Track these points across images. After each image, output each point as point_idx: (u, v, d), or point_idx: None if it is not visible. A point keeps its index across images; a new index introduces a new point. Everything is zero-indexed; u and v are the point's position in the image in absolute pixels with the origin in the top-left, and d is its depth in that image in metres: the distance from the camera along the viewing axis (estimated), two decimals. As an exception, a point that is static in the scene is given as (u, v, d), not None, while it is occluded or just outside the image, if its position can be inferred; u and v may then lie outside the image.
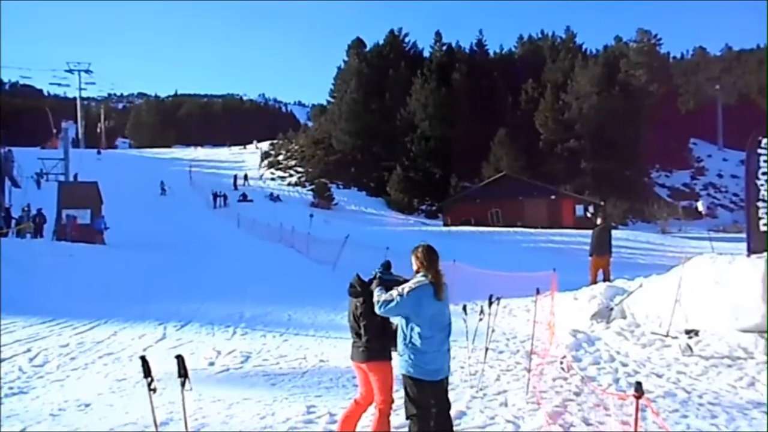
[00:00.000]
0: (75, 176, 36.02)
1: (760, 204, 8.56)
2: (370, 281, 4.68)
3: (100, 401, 6.54)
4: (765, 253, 8.17)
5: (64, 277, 15.36)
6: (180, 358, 3.89)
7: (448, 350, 4.47)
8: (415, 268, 4.47)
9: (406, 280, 4.58)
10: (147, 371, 3.79)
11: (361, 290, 4.70)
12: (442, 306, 4.38)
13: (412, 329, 4.30)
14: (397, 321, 4.63)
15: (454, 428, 5.08)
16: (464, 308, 7.37)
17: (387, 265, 4.73)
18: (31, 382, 7.31)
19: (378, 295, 4.39)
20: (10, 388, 7.00)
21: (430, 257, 4.42)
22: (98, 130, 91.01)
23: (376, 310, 4.37)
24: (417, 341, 4.27)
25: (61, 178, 30.91)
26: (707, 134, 79.04)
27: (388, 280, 4.56)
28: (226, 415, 5.93)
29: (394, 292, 4.30)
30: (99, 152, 68.49)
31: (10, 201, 26.12)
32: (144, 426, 5.47)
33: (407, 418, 4.39)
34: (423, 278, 4.33)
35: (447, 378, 4.48)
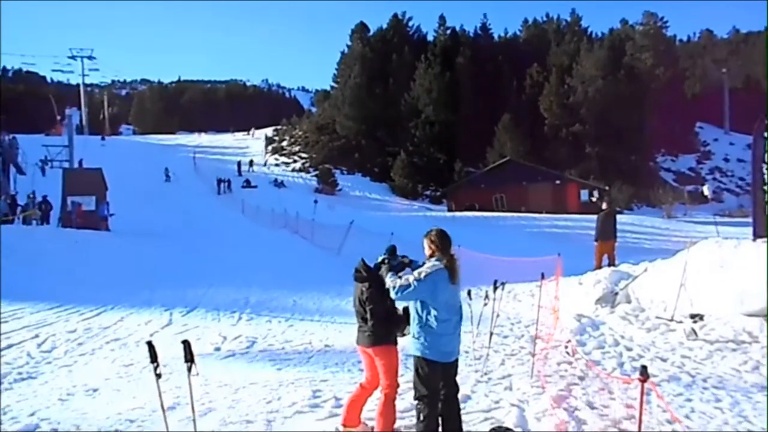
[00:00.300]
0: (80, 162, 36.18)
1: (766, 188, 8.52)
2: (376, 266, 4.69)
3: (107, 386, 6.60)
4: (771, 238, 8.16)
5: (70, 264, 15.45)
6: (186, 344, 3.91)
7: (459, 333, 4.52)
8: (428, 252, 4.49)
9: (412, 261, 4.64)
10: (154, 356, 3.82)
11: (366, 275, 4.71)
12: (455, 290, 4.44)
13: (428, 312, 4.33)
14: (402, 305, 4.65)
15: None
16: (469, 293, 7.40)
17: (392, 250, 4.74)
18: (40, 367, 7.39)
19: (392, 280, 4.39)
20: (19, 373, 7.07)
21: (443, 241, 4.45)
22: (102, 116, 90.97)
23: (392, 295, 4.38)
24: (434, 324, 4.31)
25: (66, 164, 30.95)
26: (713, 118, 78.35)
27: (396, 265, 4.58)
28: (232, 400, 5.97)
29: (411, 277, 4.31)
30: (103, 139, 68.57)
31: (16, 188, 26.24)
32: (151, 410, 5.51)
33: (416, 400, 4.41)
34: (438, 262, 4.35)
35: (457, 360, 4.54)
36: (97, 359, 7.84)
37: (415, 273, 4.35)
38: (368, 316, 4.67)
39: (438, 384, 4.37)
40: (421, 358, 4.35)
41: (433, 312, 4.31)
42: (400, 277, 4.39)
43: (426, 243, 4.51)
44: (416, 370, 4.41)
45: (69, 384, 6.67)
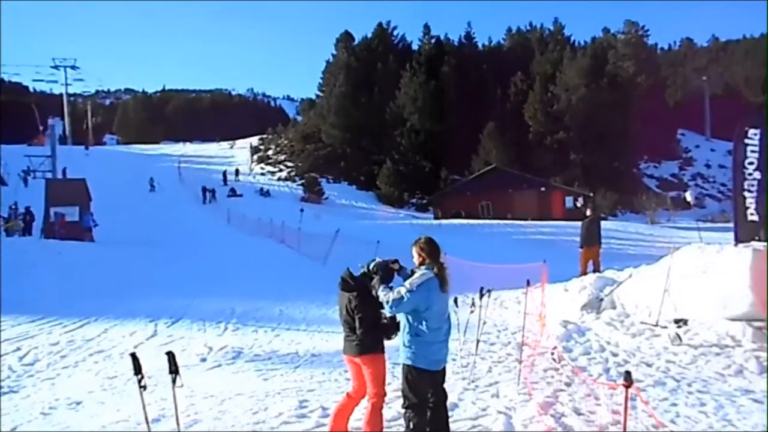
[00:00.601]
0: (63, 171, 36.17)
1: (747, 194, 8.63)
2: (363, 276, 4.67)
3: (91, 399, 6.52)
4: (752, 243, 8.26)
5: (53, 276, 15.27)
6: (170, 355, 3.88)
7: (448, 341, 4.54)
8: (417, 260, 4.47)
9: (402, 266, 4.62)
10: (138, 368, 3.78)
11: (353, 284, 4.70)
12: (445, 298, 4.45)
13: (419, 321, 4.32)
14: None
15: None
16: (455, 301, 7.39)
17: (384, 266, 4.58)
18: (22, 381, 7.28)
19: (384, 294, 4.35)
20: (0, 387, 6.96)
21: (432, 249, 4.44)
22: (85, 126, 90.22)
23: (387, 310, 4.35)
24: (425, 333, 4.31)
25: (49, 175, 30.64)
26: (695, 125, 79.53)
27: (386, 277, 4.51)
28: (218, 411, 5.92)
29: (402, 290, 4.28)
30: (87, 148, 68.25)
31: (-2, 199, 25.92)
32: (136, 423, 5.46)
33: (404, 408, 4.40)
34: (428, 271, 4.34)
35: (445, 367, 4.55)
36: (81, 372, 7.74)
37: (407, 284, 4.33)
38: (357, 324, 4.64)
39: (427, 392, 4.37)
40: (411, 366, 4.34)
41: (425, 321, 4.31)
42: (391, 289, 4.36)
43: (415, 251, 4.49)
44: (405, 378, 4.39)
45: (51, 397, 6.58)
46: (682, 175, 71.60)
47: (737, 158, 8.83)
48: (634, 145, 61.15)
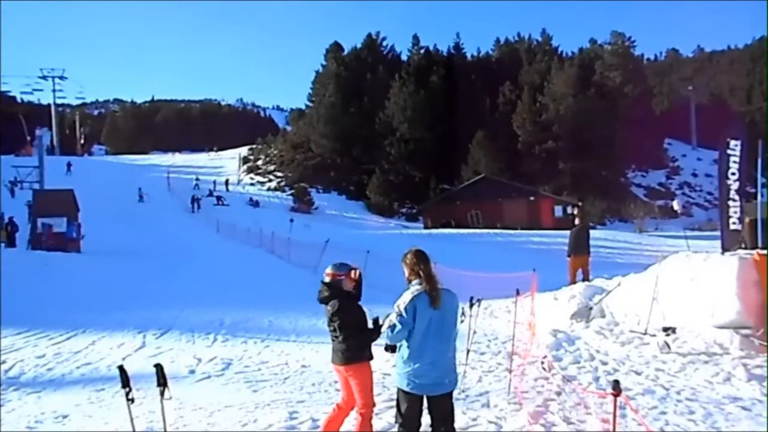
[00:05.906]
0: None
1: (731, 203, 8.73)
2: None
3: (78, 412, 6.45)
4: (738, 251, 8.34)
5: (39, 287, 15.12)
6: (159, 367, 3.85)
7: (446, 364, 4.22)
8: (407, 275, 4.28)
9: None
10: (125, 381, 3.74)
11: (330, 293, 4.70)
12: (440, 315, 4.12)
13: (405, 340, 4.14)
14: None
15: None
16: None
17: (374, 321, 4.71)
18: (7, 394, 7.18)
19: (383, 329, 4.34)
20: (-15, 401, 6.88)
21: (419, 263, 4.21)
22: (78, 135, 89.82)
23: (388, 341, 4.21)
24: (408, 352, 4.11)
25: (36, 186, 30.34)
26: (681, 134, 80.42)
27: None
28: (207, 423, 5.88)
29: (393, 315, 4.10)
30: (82, 155, 69.35)
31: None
32: (124, 436, 5.40)
33: (396, 424, 4.32)
34: (417, 287, 4.14)
35: (448, 395, 4.25)
36: (68, 385, 7.66)
37: (395, 307, 4.12)
38: (338, 332, 4.60)
39: (416, 414, 4.16)
40: (397, 387, 4.22)
41: (408, 340, 4.11)
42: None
43: (403, 266, 4.30)
44: (396, 398, 4.30)
45: (38, 411, 6.50)
46: (669, 184, 72.27)
47: (722, 167, 8.94)
48: (622, 153, 61.71)
